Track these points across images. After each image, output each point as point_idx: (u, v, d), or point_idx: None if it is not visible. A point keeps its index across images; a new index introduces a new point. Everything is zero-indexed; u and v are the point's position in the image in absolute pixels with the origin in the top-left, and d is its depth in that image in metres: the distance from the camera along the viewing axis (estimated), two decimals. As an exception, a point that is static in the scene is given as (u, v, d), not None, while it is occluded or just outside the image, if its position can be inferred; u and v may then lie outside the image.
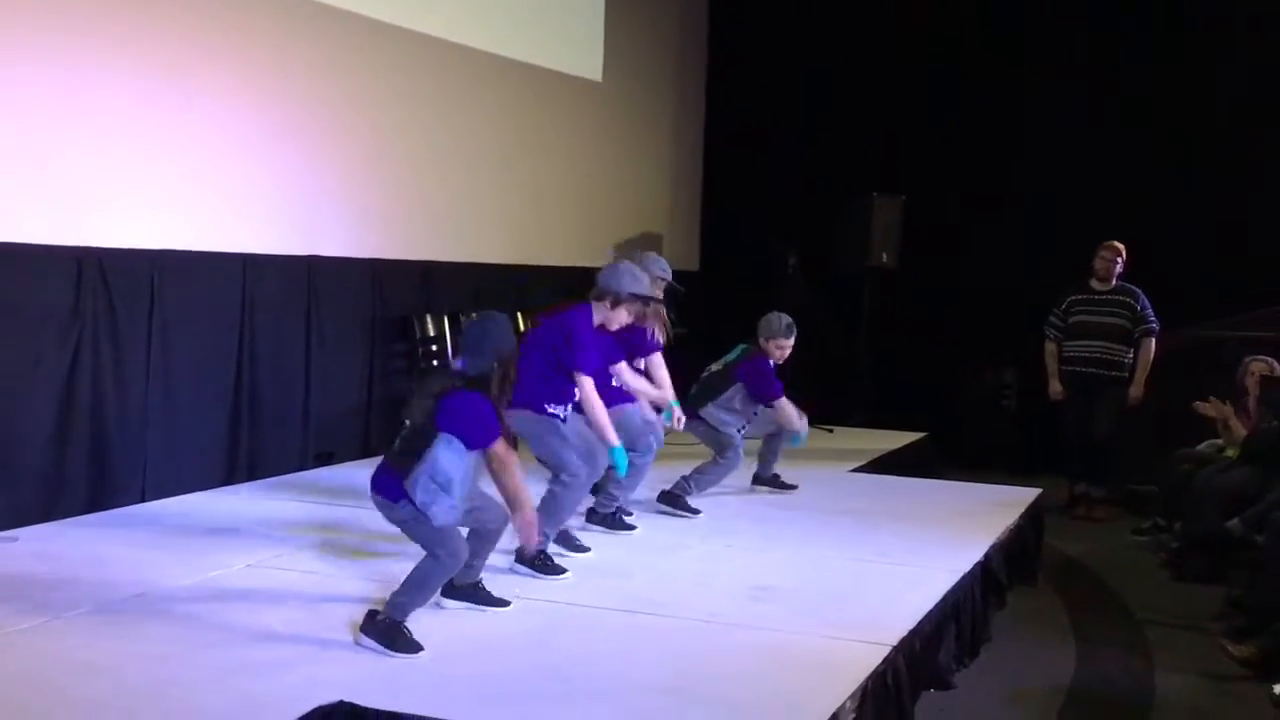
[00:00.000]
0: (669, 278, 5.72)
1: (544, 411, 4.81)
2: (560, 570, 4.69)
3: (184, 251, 5.94)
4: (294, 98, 6.63)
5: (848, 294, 9.77)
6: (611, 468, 5.05)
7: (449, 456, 3.79)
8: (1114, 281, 7.87)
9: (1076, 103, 9.58)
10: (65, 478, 5.45)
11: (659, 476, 6.13)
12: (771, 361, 6.25)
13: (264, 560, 4.82)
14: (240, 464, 6.34)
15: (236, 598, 4.31)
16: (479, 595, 4.26)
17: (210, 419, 6.19)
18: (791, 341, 6.28)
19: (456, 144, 7.89)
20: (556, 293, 8.42)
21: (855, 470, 7.49)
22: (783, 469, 6.62)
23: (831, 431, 8.86)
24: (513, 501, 3.96)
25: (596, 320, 4.93)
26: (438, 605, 4.18)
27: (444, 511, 3.82)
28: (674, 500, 5.95)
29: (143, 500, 5.74)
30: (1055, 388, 8.00)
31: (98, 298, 5.53)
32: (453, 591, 4.24)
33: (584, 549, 5.11)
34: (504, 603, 4.28)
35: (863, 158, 10.00)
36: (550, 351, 4.80)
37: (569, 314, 4.91)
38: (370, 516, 5.53)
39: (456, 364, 3.99)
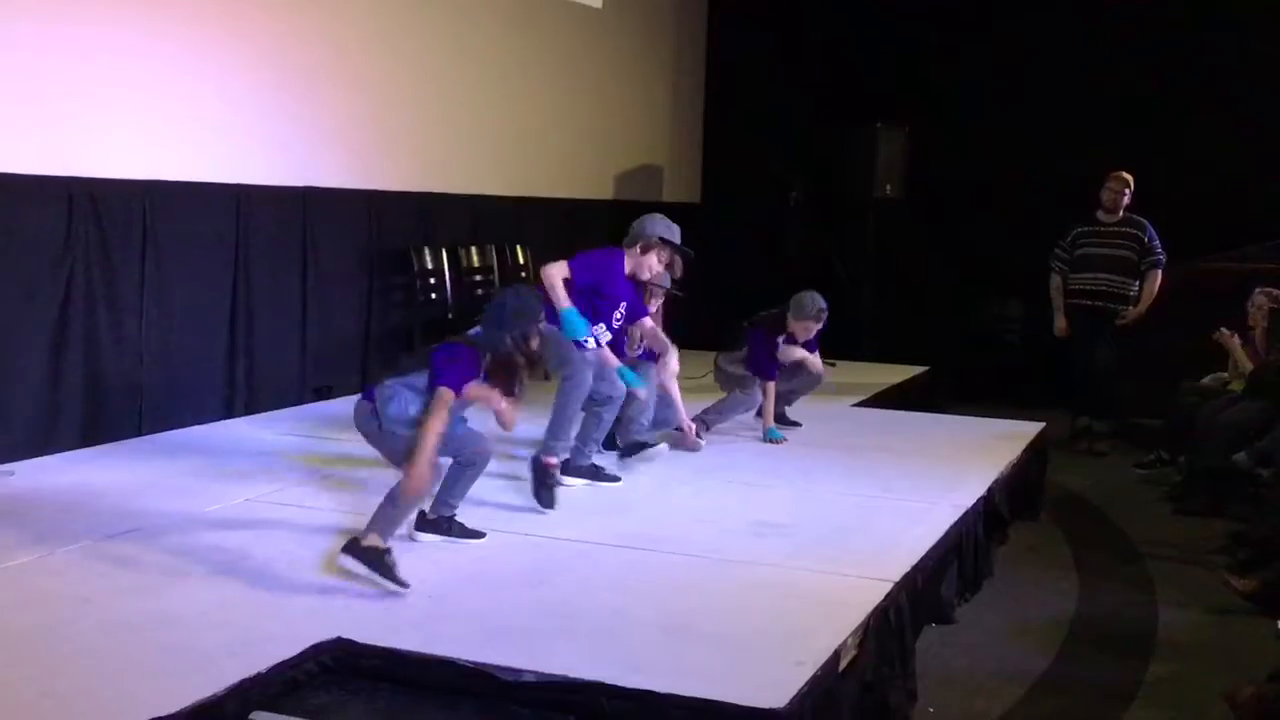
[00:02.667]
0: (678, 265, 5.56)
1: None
2: (556, 486, 4.72)
3: (177, 182, 5.85)
4: (289, 26, 6.48)
5: (851, 226, 9.67)
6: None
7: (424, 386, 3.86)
8: (1121, 213, 7.77)
9: (1083, 31, 9.40)
10: (60, 410, 5.41)
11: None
12: (782, 338, 6.17)
13: (261, 495, 4.79)
14: (237, 397, 6.30)
15: (233, 533, 4.28)
16: (453, 529, 4.26)
17: (207, 352, 6.13)
18: (819, 326, 6.22)
19: (454, 73, 7.75)
20: (556, 226, 8.37)
21: (857, 404, 7.46)
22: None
23: (834, 365, 8.79)
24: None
25: (628, 268, 4.96)
26: (411, 539, 4.14)
27: (397, 410, 3.86)
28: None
29: (139, 434, 5.71)
30: (1060, 323, 7.92)
31: (89, 229, 5.45)
32: (425, 525, 4.22)
33: (615, 479, 5.16)
34: (478, 535, 4.27)
35: (866, 88, 9.85)
36: (587, 285, 4.83)
37: (605, 254, 4.94)
38: (369, 451, 5.50)
39: (472, 332, 4.02)
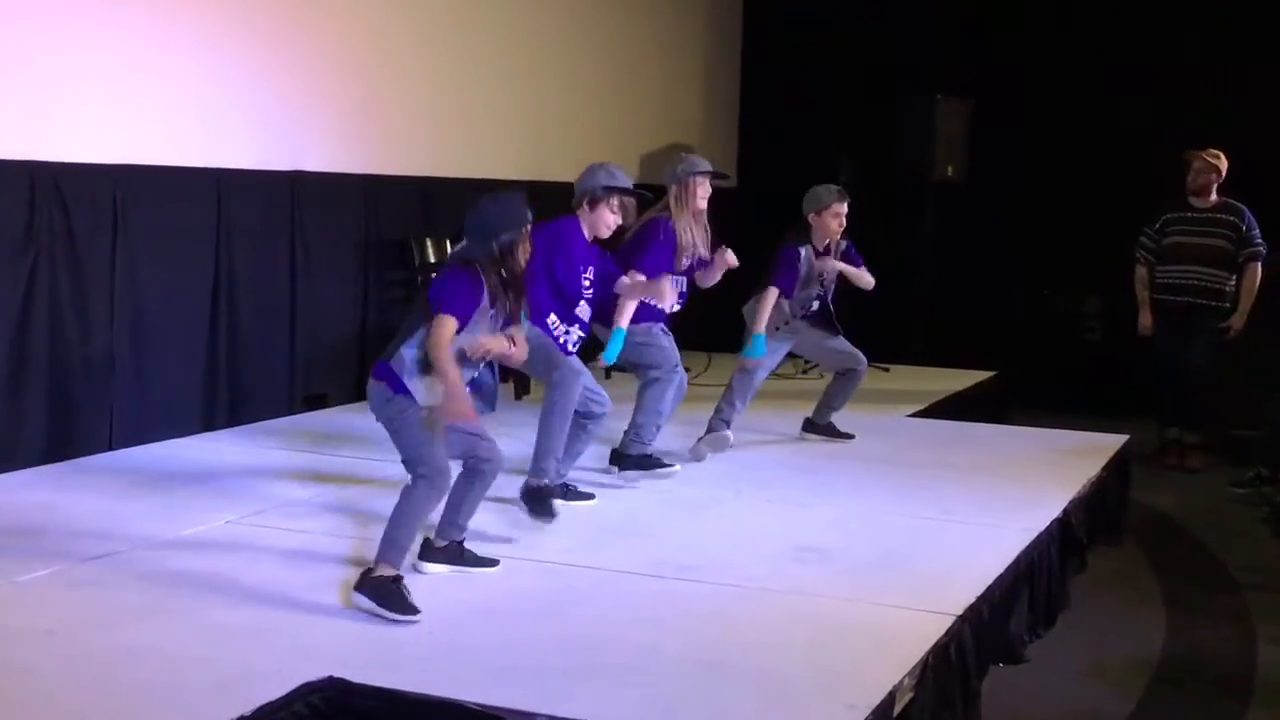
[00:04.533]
0: (709, 168, 5.65)
1: (544, 327, 4.97)
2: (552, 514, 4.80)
3: (151, 166, 5.90)
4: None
5: (907, 213, 9.64)
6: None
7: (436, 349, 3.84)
8: (1214, 197, 7.72)
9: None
10: (23, 423, 5.46)
11: (688, 421, 6.11)
12: (825, 241, 6.17)
13: (246, 516, 4.82)
14: (219, 408, 6.36)
15: (215, 558, 4.32)
16: (463, 557, 4.27)
17: (185, 357, 6.19)
18: (846, 207, 6.21)
19: (461, 44, 7.78)
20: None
21: (914, 415, 7.46)
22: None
23: (888, 370, 8.80)
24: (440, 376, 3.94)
25: (585, 231, 5.12)
26: (416, 570, 4.14)
27: (424, 388, 3.87)
28: (714, 441, 5.94)
29: (110, 449, 5.76)
30: (1145, 320, 7.88)
31: (54, 220, 5.50)
32: (432, 554, 4.22)
33: (588, 496, 5.20)
34: (491, 563, 4.29)
35: (925, 55, 9.82)
36: (544, 266, 4.97)
37: (552, 224, 5.09)
38: (367, 467, 5.57)
39: (457, 249, 4.09)
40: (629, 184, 5.13)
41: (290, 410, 6.71)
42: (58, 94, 5.49)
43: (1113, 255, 8.30)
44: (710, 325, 7.42)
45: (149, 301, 5.95)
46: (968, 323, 9.61)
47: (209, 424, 6.28)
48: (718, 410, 6.07)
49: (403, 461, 4.04)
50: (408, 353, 3.91)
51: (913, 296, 9.65)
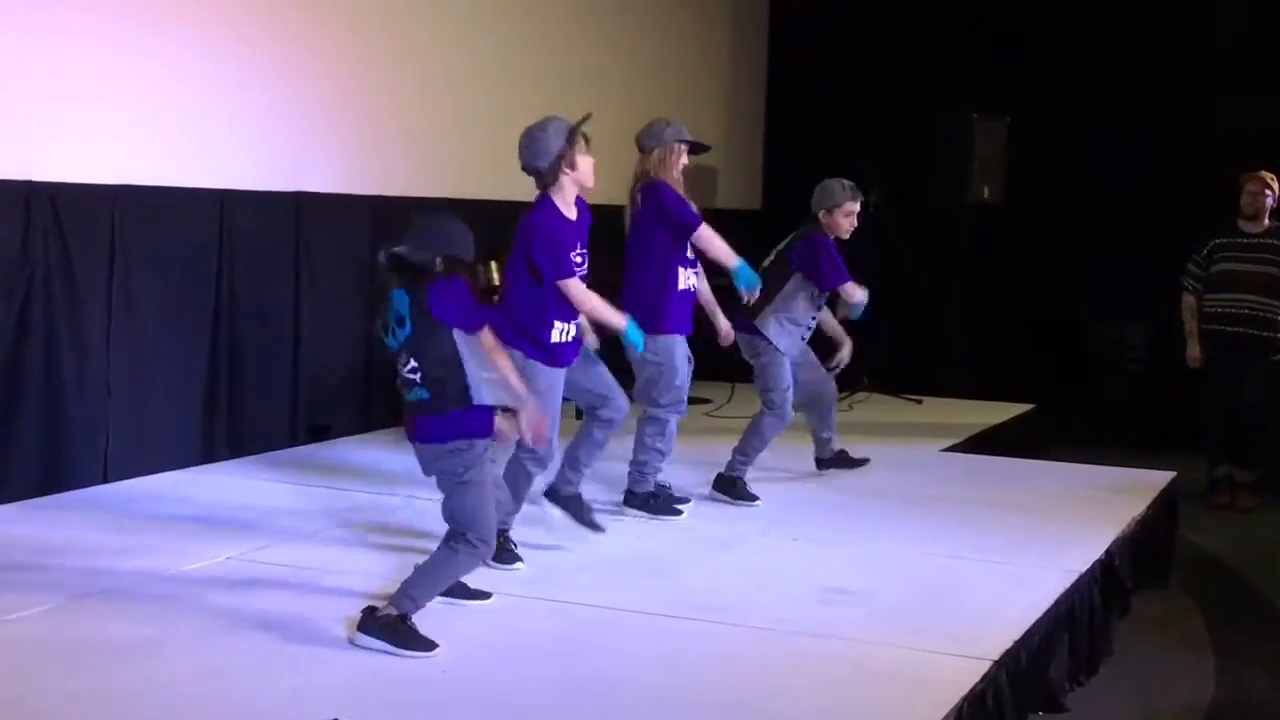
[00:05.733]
0: (691, 140, 5.65)
1: (528, 347, 4.73)
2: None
3: (150, 187, 5.95)
4: (277, 8, 6.59)
5: (941, 236, 9.66)
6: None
7: (469, 351, 3.84)
8: (1266, 221, 7.73)
9: (1221, 4, 9.39)
10: (13, 454, 5.49)
11: (708, 459, 6.12)
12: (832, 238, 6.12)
13: (247, 552, 4.85)
14: (219, 439, 6.39)
15: (215, 595, 4.34)
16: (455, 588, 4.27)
17: (183, 385, 6.22)
18: (859, 205, 6.17)
19: (473, 60, 7.84)
20: (591, 235, 8.40)
21: (948, 449, 7.45)
22: (857, 444, 6.60)
23: (920, 402, 8.81)
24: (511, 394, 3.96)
25: (564, 199, 4.91)
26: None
27: (485, 390, 3.84)
28: (730, 486, 5.93)
29: (105, 481, 5.80)
30: (1194, 352, 7.88)
31: (49, 241, 5.54)
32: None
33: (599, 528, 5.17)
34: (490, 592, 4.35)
35: (959, 72, 9.86)
36: (523, 262, 4.83)
37: (529, 215, 4.91)
38: (372, 502, 5.59)
39: (388, 252, 3.84)
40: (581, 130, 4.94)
41: (293, 442, 6.74)
42: (54, 111, 5.54)
43: (1157, 282, 8.31)
44: (735, 353, 7.43)
45: (147, 327, 5.99)
46: (1004, 353, 9.61)
47: (208, 456, 6.32)
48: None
49: (448, 518, 3.97)
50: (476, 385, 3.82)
51: (946, 325, 9.66)
